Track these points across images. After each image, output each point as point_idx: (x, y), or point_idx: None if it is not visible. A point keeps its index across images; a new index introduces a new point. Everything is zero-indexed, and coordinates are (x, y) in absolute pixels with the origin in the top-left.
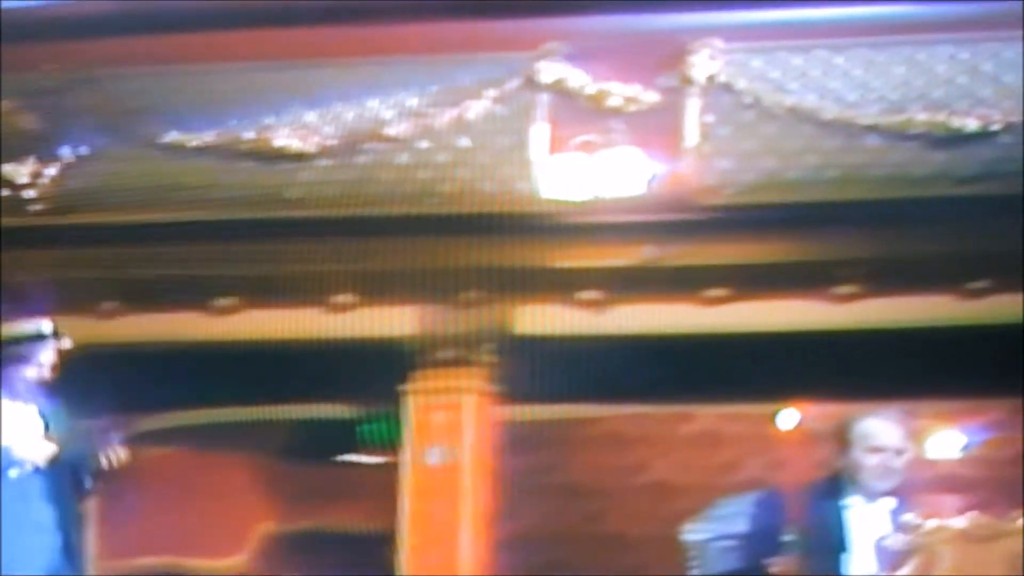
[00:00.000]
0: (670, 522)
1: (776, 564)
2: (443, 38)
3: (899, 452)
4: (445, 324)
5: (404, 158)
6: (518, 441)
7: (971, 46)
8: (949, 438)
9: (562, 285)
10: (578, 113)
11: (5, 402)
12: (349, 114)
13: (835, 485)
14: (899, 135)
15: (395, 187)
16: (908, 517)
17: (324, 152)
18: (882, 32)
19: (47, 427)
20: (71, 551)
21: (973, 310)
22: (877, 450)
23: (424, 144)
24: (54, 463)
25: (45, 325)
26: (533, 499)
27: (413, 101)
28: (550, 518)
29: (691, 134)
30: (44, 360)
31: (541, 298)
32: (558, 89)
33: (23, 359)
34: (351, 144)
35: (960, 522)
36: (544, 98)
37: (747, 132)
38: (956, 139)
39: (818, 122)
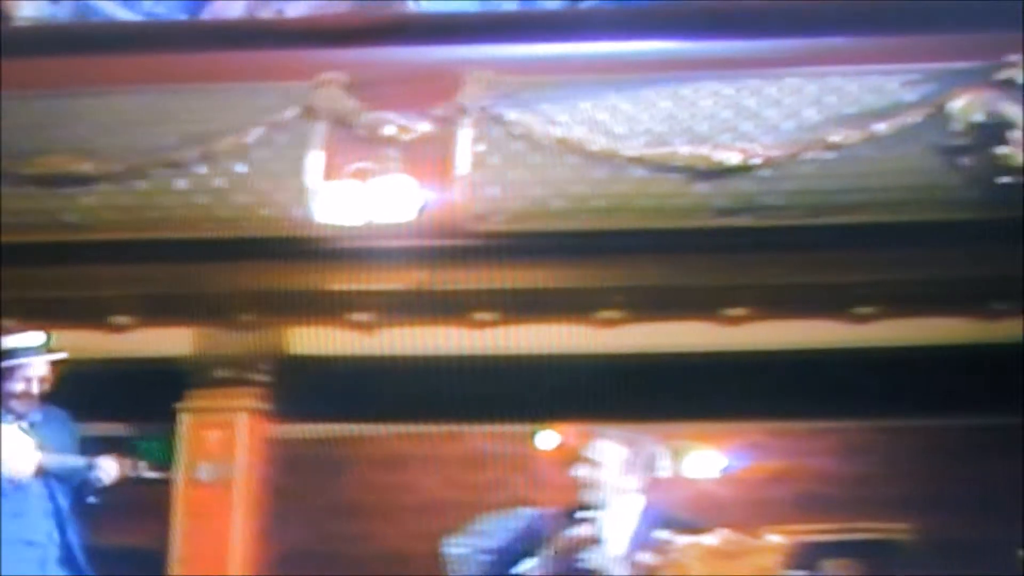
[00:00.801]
0: (437, 538)
1: None
2: (224, 67)
3: (594, 464)
4: (221, 345)
5: (184, 183)
6: (291, 459)
7: (734, 82)
8: (707, 458)
9: (335, 308)
10: (353, 141)
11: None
12: (131, 140)
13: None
14: (663, 167)
15: (174, 212)
16: (661, 533)
17: (105, 176)
18: (649, 68)
19: (37, 442)
20: (69, 565)
21: (729, 336)
22: (586, 462)
23: (203, 169)
24: (44, 477)
25: (37, 337)
26: (304, 516)
27: (195, 128)
28: (321, 536)
29: (463, 163)
30: (36, 373)
31: (315, 320)
32: (334, 118)
33: (15, 371)
34: (132, 169)
35: (711, 539)
36: (321, 126)
37: (517, 162)
38: (718, 172)
39: (585, 153)
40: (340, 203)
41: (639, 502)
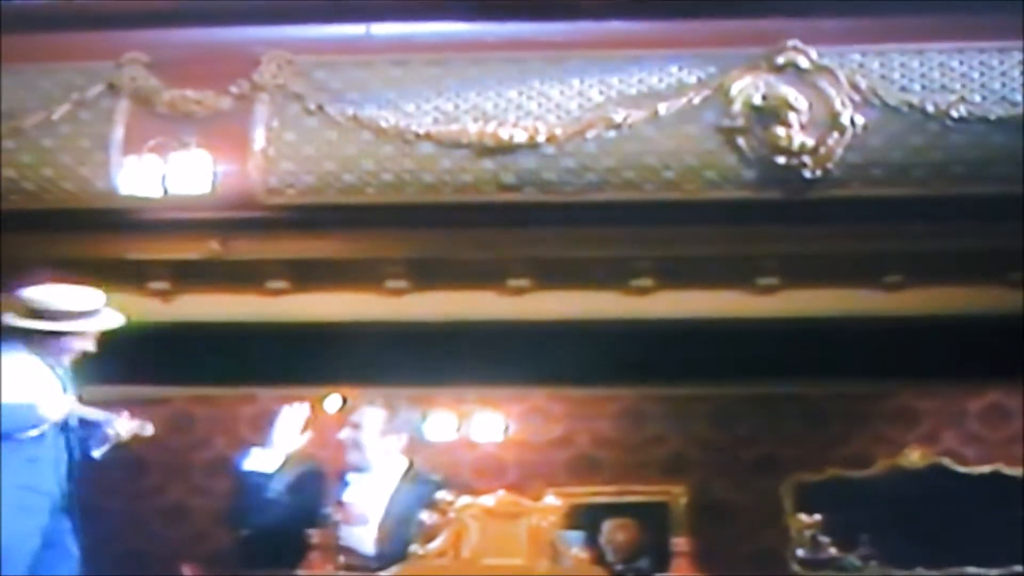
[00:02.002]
0: (222, 495)
1: (315, 535)
2: (33, 48)
3: (355, 426)
4: None
5: None
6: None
7: (520, 64)
8: (490, 422)
9: (134, 276)
10: (154, 118)
11: (38, 364)
12: None
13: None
14: (451, 143)
15: None
16: (441, 494)
17: None
18: (439, 49)
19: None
20: (70, 515)
21: (512, 306)
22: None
23: (11, 144)
24: (65, 426)
25: (100, 299)
26: (95, 474)
27: (5, 105)
28: (115, 492)
29: (258, 138)
30: (92, 331)
31: (114, 287)
32: (136, 95)
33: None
34: None
35: (489, 500)
36: (123, 103)
37: (310, 137)
38: (504, 149)
39: (376, 130)
40: (140, 176)
41: (402, 463)
